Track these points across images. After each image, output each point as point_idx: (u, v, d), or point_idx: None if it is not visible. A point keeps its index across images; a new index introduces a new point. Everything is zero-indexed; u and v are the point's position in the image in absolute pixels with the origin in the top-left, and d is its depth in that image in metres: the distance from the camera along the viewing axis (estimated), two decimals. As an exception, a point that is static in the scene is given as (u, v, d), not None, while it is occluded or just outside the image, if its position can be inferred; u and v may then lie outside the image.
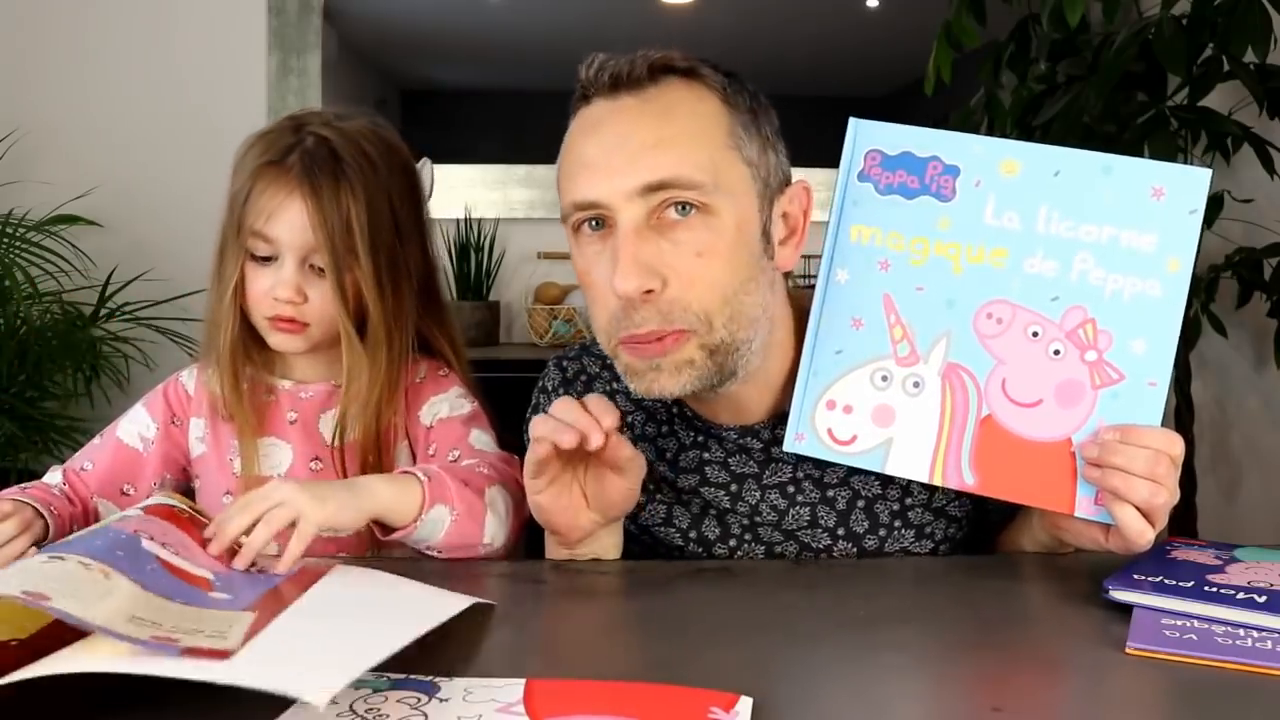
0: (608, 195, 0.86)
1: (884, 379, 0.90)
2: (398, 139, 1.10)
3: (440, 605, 0.75)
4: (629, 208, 0.85)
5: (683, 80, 0.90)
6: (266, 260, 1.02)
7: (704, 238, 0.86)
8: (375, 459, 1.06)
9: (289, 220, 1.00)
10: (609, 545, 0.95)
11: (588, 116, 0.90)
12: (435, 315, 1.12)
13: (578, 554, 0.94)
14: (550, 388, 1.08)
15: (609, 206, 0.86)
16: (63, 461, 1.10)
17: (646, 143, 0.86)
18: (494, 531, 0.94)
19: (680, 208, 0.86)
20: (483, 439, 1.06)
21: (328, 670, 0.58)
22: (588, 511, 0.90)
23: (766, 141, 0.92)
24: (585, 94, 0.91)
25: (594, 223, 0.89)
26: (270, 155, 1.02)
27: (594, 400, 0.86)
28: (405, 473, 0.93)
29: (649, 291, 0.85)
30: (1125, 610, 0.77)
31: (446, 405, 1.08)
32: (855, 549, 0.98)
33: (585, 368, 1.07)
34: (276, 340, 1.05)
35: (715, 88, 0.90)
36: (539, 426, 0.84)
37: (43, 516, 0.97)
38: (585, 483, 0.90)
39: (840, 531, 0.98)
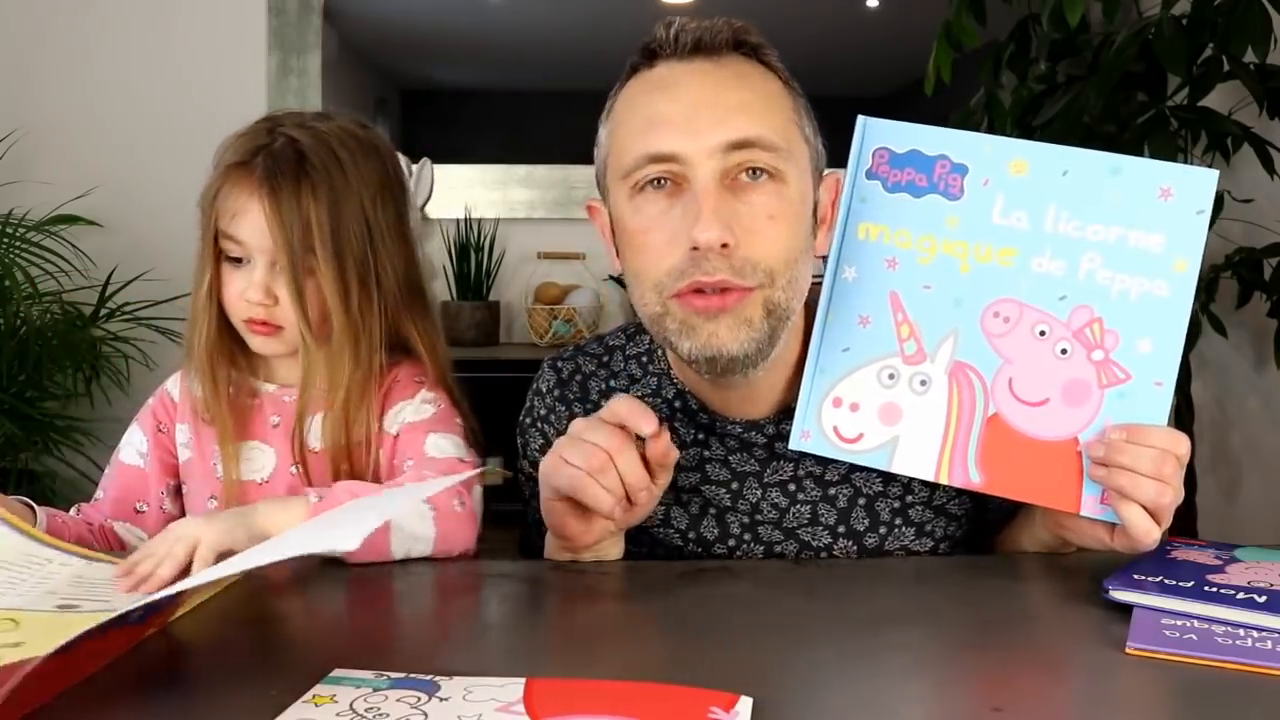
0: (690, 150, 0.87)
1: (891, 377, 0.90)
2: (381, 140, 1.09)
3: (430, 483, 0.83)
4: (708, 164, 0.87)
5: (748, 58, 0.93)
6: (238, 261, 1.03)
7: (774, 203, 0.89)
8: (348, 466, 1.04)
9: (251, 222, 1.00)
10: (614, 552, 0.94)
11: (656, 77, 0.92)
12: (418, 317, 1.09)
13: (581, 558, 0.93)
14: (545, 389, 1.07)
15: (687, 161, 0.87)
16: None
17: (731, 104, 0.88)
18: (404, 547, 0.91)
19: (752, 172, 0.88)
20: (440, 445, 1.03)
21: (352, 526, 0.65)
22: (604, 521, 0.88)
23: (815, 127, 0.96)
24: (652, 55, 0.93)
25: (659, 181, 0.89)
26: (239, 156, 1.02)
27: (625, 404, 0.85)
28: (305, 493, 0.92)
29: (725, 245, 0.86)
30: (1125, 610, 0.76)
31: (411, 410, 1.06)
32: (855, 547, 0.98)
33: (580, 367, 1.06)
34: (257, 343, 1.05)
35: (777, 69, 0.94)
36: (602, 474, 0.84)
37: (31, 509, 0.97)
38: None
39: (841, 529, 0.97)
